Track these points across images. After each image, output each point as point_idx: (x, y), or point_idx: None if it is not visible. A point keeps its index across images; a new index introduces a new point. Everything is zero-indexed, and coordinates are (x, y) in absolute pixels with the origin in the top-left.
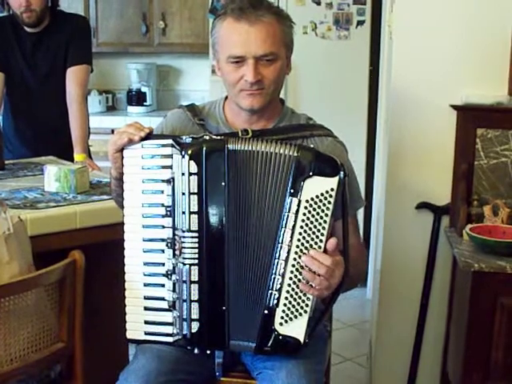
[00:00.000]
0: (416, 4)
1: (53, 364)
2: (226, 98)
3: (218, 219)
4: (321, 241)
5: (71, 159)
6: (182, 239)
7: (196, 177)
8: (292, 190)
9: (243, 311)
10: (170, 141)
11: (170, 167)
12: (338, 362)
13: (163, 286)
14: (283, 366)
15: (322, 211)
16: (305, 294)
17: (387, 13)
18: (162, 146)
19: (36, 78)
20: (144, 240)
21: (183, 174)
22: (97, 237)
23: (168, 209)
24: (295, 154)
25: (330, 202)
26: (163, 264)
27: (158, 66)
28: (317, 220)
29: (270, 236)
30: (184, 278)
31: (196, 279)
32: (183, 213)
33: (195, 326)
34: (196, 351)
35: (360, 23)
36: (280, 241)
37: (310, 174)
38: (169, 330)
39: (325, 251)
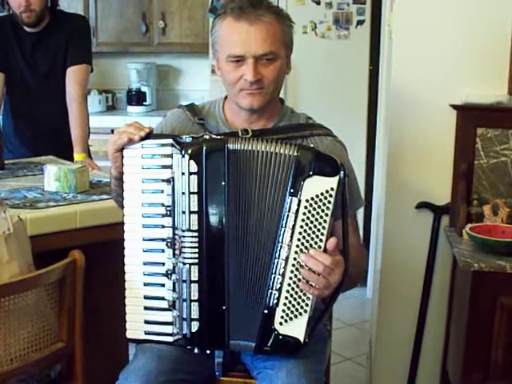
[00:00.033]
0: (416, 4)
1: (53, 364)
2: (226, 97)
3: (217, 219)
4: (321, 240)
5: (71, 159)
6: (182, 239)
7: (196, 176)
8: (292, 190)
9: (243, 311)
10: (169, 140)
11: (170, 167)
12: (338, 361)
13: (163, 285)
14: (283, 365)
15: (322, 211)
16: (305, 294)
17: (387, 12)
18: (161, 145)
19: (36, 77)
20: (144, 239)
21: (183, 174)
22: (97, 236)
23: (168, 208)
24: (295, 154)
25: (329, 202)
26: (163, 264)
27: (158, 66)
28: (317, 220)
29: (269, 236)
30: (184, 278)
31: (196, 279)
32: (183, 212)
33: (195, 326)
34: (196, 351)
35: (360, 23)
36: (280, 240)
37: (310, 173)
38: (169, 329)
39: (325, 251)
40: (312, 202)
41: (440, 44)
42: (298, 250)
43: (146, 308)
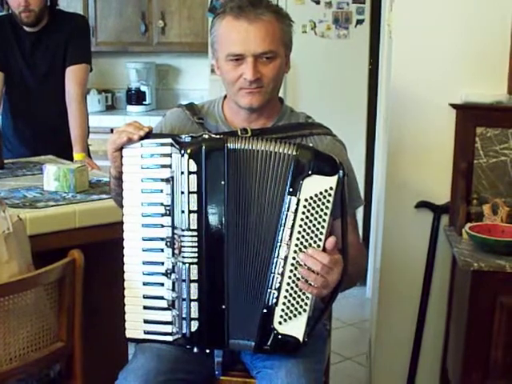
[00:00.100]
0: (415, 3)
1: (52, 363)
2: (225, 96)
3: (217, 218)
4: (320, 239)
5: (70, 158)
6: (182, 238)
7: (195, 176)
8: (291, 189)
9: (243, 310)
10: (169, 140)
11: (170, 166)
12: (337, 361)
13: (162, 285)
14: (283, 365)
15: (321, 210)
16: (304, 293)
17: (387, 12)
18: (161, 144)
19: (35, 77)
20: (143, 239)
21: (182, 173)
22: (96, 236)
23: (167, 208)
24: (294, 153)
25: (329, 201)
26: (162, 263)
27: (157, 65)
28: (316, 219)
29: (269, 235)
30: (183, 277)
31: (195, 278)
32: (182, 212)
33: (194, 325)
34: (195, 350)
35: (359, 22)
36: (279, 239)
37: (309, 172)
38: (168, 329)
39: (324, 250)
40: (311, 202)
41: (439, 43)
42: (297, 249)
43: (145, 307)
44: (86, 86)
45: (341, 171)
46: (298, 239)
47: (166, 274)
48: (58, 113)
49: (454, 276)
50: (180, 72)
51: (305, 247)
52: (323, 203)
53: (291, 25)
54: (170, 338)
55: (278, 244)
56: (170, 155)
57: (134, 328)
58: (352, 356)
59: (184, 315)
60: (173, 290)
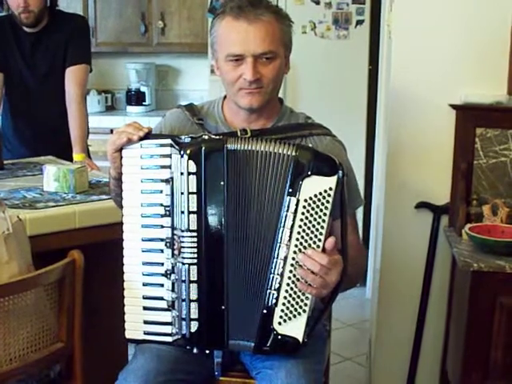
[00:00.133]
0: (415, 4)
1: (52, 364)
2: (225, 97)
3: (216, 219)
4: (319, 240)
5: (70, 159)
6: (181, 239)
7: (195, 176)
8: (290, 190)
9: (242, 310)
10: (168, 140)
11: (169, 167)
12: (337, 361)
13: (162, 285)
14: (282, 365)
15: (321, 210)
16: (303, 294)
17: (386, 12)
18: (160, 145)
19: (35, 77)
20: (143, 240)
21: (182, 174)
22: (96, 236)
23: (167, 208)
24: (294, 154)
25: (328, 202)
26: (162, 264)
27: (157, 66)
28: (315, 219)
29: (268, 235)
30: (183, 278)
31: (195, 279)
32: (182, 212)
33: (194, 326)
34: (195, 351)
35: (359, 23)
36: (279, 240)
37: (309, 173)
38: (168, 329)
39: (323, 250)
40: (310, 202)
41: (439, 44)
42: (296, 249)
43: (145, 308)
44: (85, 86)
45: (340, 171)
46: (297, 240)
47: (166, 274)
48: (57, 113)
49: (453, 276)
50: (180, 72)
51: (304, 248)
52: (323, 204)
53: (291, 25)
54: (169, 339)
55: (278, 244)
56: (169, 156)
57: (133, 329)
58: (352, 356)
59: (184, 316)
60: (172, 290)
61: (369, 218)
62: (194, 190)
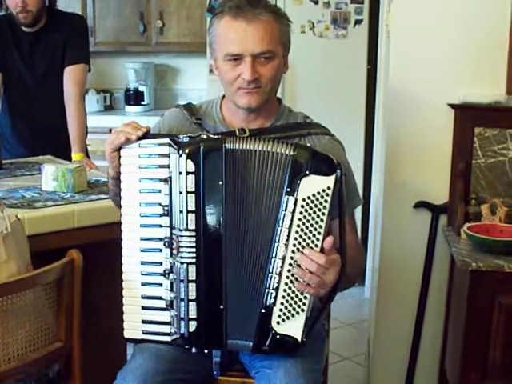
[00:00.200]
0: (414, 3)
1: (51, 363)
2: (223, 97)
3: (215, 218)
4: (317, 239)
5: (69, 158)
6: (180, 238)
7: (193, 176)
8: (288, 189)
9: (241, 310)
10: (167, 140)
11: (168, 166)
12: (336, 361)
13: (161, 285)
14: (281, 365)
15: (319, 210)
16: (302, 293)
17: (385, 12)
18: (159, 145)
19: (34, 77)
20: (141, 239)
21: (180, 173)
22: (94, 236)
23: (165, 208)
24: (292, 153)
25: (326, 201)
26: (161, 263)
27: (156, 66)
28: (313, 219)
29: (266, 235)
30: (181, 277)
31: (193, 278)
32: (181, 212)
33: (193, 325)
34: (194, 350)
35: (358, 22)
36: (277, 240)
37: (307, 172)
38: (166, 329)
39: (321, 250)
40: (309, 201)
41: (438, 43)
42: (294, 249)
43: (143, 308)
44: (84, 86)
45: (338, 171)
46: (295, 239)
47: (164, 274)
48: (56, 113)
49: (452, 276)
50: (178, 72)
51: (302, 247)
52: (321, 203)
53: (289, 25)
54: (168, 339)
55: (276, 244)
56: (168, 155)
57: (132, 328)
58: (350, 356)
59: (182, 315)
60: (171, 290)
61: (367, 217)
62: (193, 190)
